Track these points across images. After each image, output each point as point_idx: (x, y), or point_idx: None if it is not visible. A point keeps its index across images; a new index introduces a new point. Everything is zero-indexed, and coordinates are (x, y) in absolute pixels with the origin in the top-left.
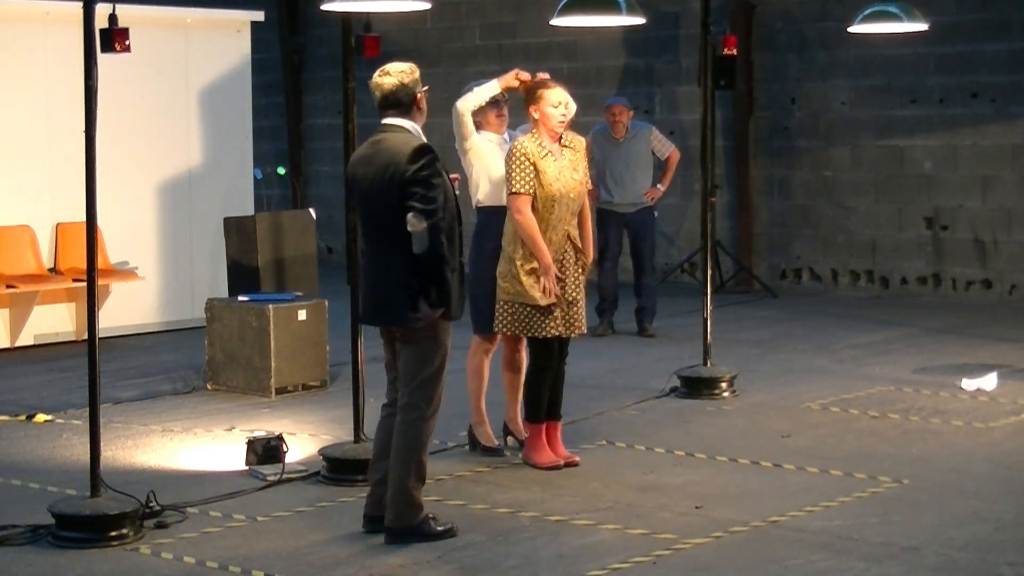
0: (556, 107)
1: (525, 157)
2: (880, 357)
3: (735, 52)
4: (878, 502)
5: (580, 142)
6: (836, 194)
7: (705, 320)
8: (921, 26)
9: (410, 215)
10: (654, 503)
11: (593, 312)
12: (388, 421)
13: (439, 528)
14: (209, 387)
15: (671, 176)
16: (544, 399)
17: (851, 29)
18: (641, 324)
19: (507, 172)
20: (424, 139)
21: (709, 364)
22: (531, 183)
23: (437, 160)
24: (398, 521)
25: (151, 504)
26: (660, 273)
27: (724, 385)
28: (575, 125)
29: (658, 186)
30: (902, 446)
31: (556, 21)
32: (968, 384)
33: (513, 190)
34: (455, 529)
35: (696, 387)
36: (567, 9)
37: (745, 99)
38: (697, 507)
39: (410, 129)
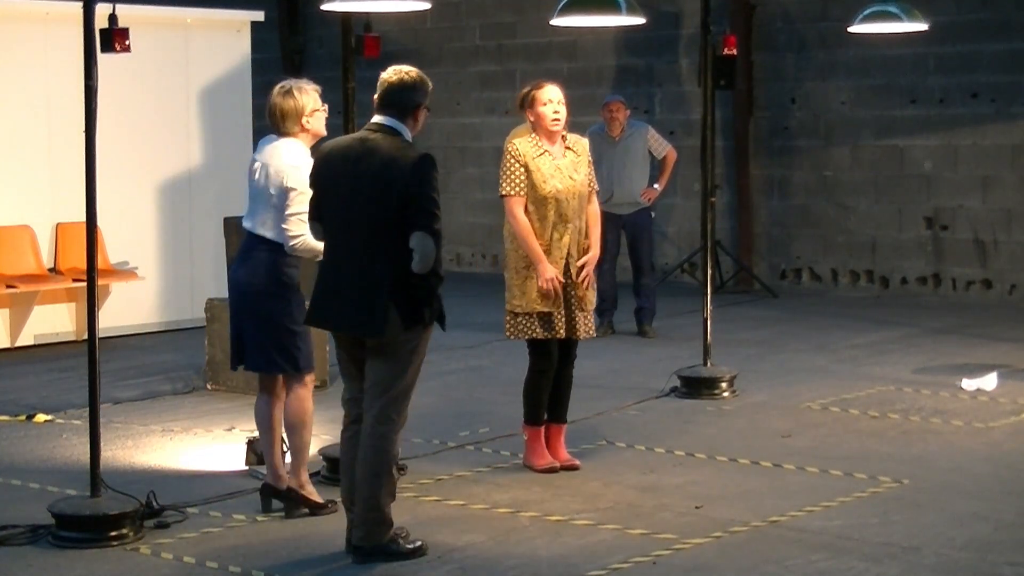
0: (547, 104)
1: (515, 159)
2: (880, 357)
3: (735, 52)
4: (878, 502)
5: (583, 145)
6: (836, 194)
7: (705, 320)
8: (921, 26)
9: (418, 234)
10: (654, 503)
11: (593, 312)
12: (357, 439)
13: (409, 546)
14: (209, 387)
15: (668, 176)
16: (543, 402)
17: (851, 29)
18: (641, 324)
19: (500, 174)
20: (418, 147)
21: (709, 364)
22: (520, 184)
23: (438, 172)
24: (368, 540)
25: (151, 504)
26: (660, 273)
27: (724, 385)
28: (575, 125)
29: (655, 186)
30: (902, 446)
31: (556, 21)
32: (968, 384)
33: (502, 192)
34: (425, 547)
35: (696, 387)
36: (567, 9)
37: (745, 99)
38: (697, 507)
39: (402, 132)
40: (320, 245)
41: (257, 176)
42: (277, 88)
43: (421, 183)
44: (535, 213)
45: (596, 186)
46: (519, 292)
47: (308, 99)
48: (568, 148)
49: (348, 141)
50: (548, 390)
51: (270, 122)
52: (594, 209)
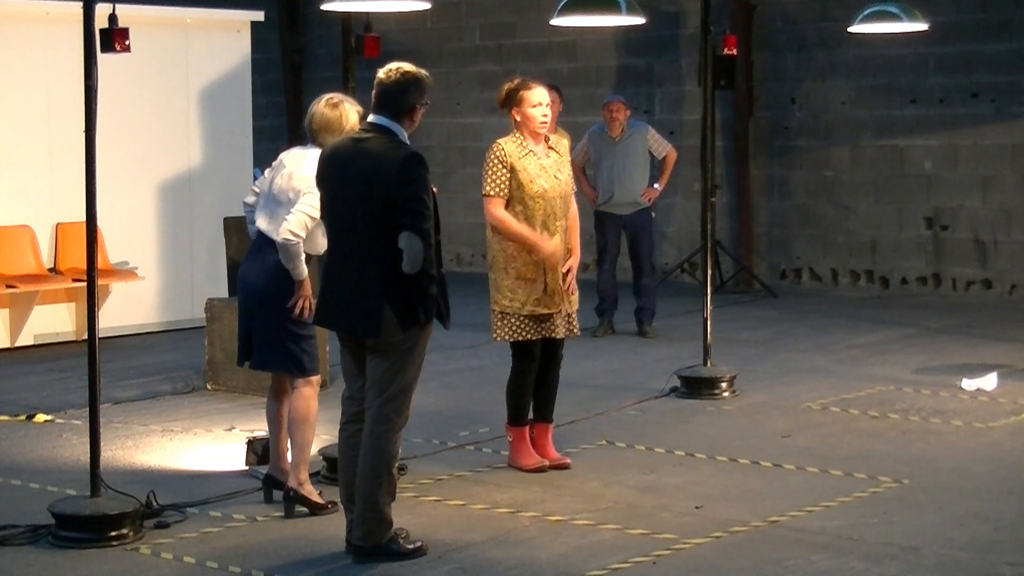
0: (537, 107)
1: (499, 160)
2: (880, 357)
3: (735, 52)
4: (878, 502)
5: (564, 146)
6: (836, 194)
7: (705, 320)
8: (921, 26)
9: (404, 235)
10: (654, 503)
11: (593, 313)
12: (355, 438)
13: (409, 547)
14: (209, 387)
15: (668, 176)
16: (526, 402)
17: (851, 29)
18: (641, 324)
19: (482, 175)
20: (409, 146)
21: (709, 364)
22: (503, 185)
23: (427, 171)
24: (368, 540)
25: (151, 504)
26: (660, 273)
27: (724, 385)
28: (575, 125)
29: (655, 186)
30: (902, 446)
31: (556, 21)
32: (968, 384)
33: (484, 192)
34: (424, 548)
35: (696, 387)
36: (567, 9)
37: (745, 99)
38: (697, 507)
39: (396, 132)
40: (302, 263)
41: (280, 179)
42: (325, 98)
43: (406, 183)
44: (523, 213)
45: (574, 187)
46: (509, 293)
47: (353, 117)
48: (551, 148)
49: (344, 142)
50: (531, 390)
51: (308, 129)
52: (574, 212)
